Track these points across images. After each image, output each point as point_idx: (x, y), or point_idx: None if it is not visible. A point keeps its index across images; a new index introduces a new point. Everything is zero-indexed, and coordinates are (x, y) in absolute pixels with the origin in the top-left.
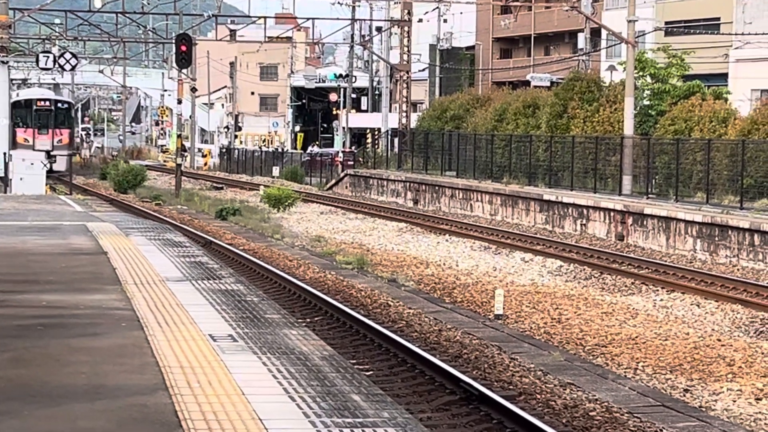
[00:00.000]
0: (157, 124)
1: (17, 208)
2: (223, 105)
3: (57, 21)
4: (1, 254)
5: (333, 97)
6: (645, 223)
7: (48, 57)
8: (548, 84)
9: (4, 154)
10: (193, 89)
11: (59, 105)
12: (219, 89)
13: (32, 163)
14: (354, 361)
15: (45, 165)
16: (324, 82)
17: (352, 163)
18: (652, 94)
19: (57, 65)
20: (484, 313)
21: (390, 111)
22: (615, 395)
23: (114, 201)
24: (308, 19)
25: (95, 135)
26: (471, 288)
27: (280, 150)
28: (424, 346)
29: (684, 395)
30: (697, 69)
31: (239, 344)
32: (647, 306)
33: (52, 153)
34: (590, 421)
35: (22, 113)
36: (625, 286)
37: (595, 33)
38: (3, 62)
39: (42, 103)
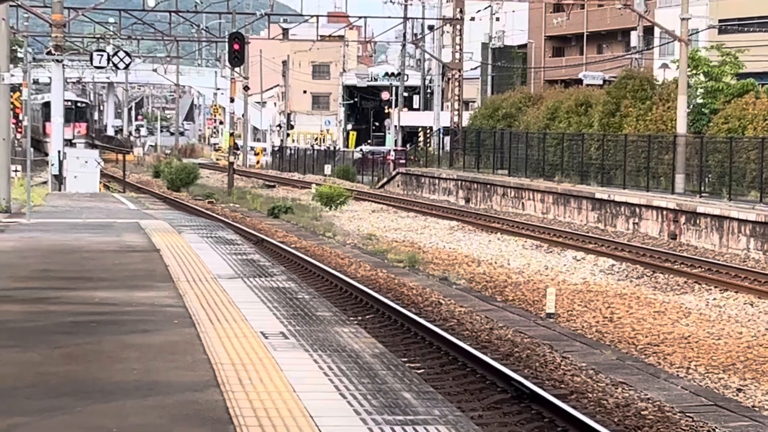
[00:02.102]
0: (213, 123)
1: (71, 206)
2: (275, 103)
3: (111, 20)
4: (55, 251)
5: (385, 95)
6: (698, 221)
7: (102, 56)
8: (601, 82)
9: (59, 152)
10: (246, 88)
11: (78, 104)
12: (271, 88)
13: (86, 161)
14: (405, 359)
15: (99, 163)
16: (376, 80)
17: (403, 161)
18: (705, 92)
19: (111, 64)
20: (535, 312)
21: (442, 109)
22: (667, 394)
23: (167, 199)
24: (360, 17)
25: (153, 132)
26: (522, 286)
27: (332, 148)
28: (475, 345)
29: (737, 395)
30: (750, 67)
31: (290, 341)
32: (700, 305)
33: (73, 141)
34: (642, 420)
35: (49, 110)
36: (678, 285)
37: (648, 31)
38: (58, 61)
39: (65, 102)
